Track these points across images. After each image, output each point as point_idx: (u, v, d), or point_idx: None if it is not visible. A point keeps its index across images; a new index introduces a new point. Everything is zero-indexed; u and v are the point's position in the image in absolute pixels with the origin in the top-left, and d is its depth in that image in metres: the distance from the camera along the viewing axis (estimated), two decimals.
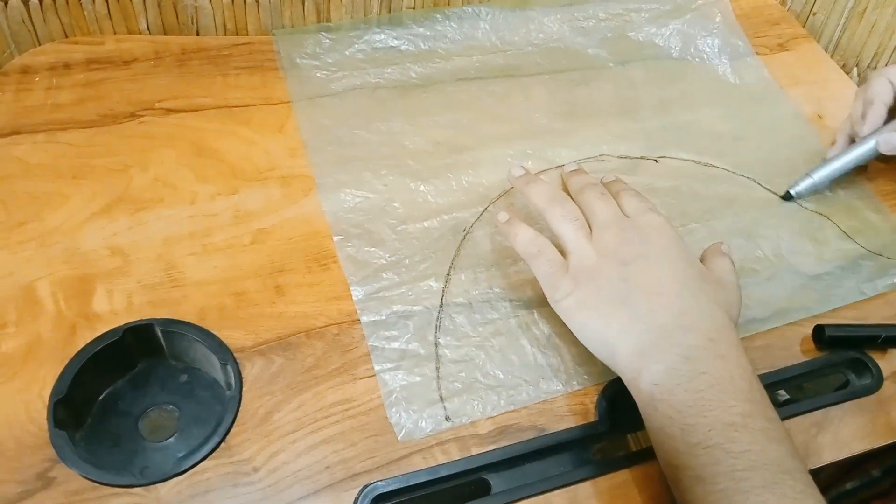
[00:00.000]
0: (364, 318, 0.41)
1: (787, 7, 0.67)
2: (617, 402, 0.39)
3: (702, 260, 0.42)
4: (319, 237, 0.45)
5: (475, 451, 0.37)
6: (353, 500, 0.35)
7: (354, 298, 0.42)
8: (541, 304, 0.43)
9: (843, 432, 0.40)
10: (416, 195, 0.48)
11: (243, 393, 0.38)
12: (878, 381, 0.42)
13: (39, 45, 0.52)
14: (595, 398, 0.40)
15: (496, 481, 0.37)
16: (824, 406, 0.41)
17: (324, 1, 0.56)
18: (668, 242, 0.39)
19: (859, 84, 0.60)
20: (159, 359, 0.40)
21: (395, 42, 0.57)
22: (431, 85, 0.55)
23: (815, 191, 0.51)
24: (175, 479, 0.35)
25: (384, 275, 0.43)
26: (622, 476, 0.37)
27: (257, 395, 0.38)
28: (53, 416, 0.35)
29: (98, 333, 0.38)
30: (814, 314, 0.45)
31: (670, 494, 0.36)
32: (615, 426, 0.39)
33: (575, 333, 0.39)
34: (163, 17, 0.54)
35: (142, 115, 0.49)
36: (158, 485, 0.34)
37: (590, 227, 0.40)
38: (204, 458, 0.35)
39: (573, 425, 0.39)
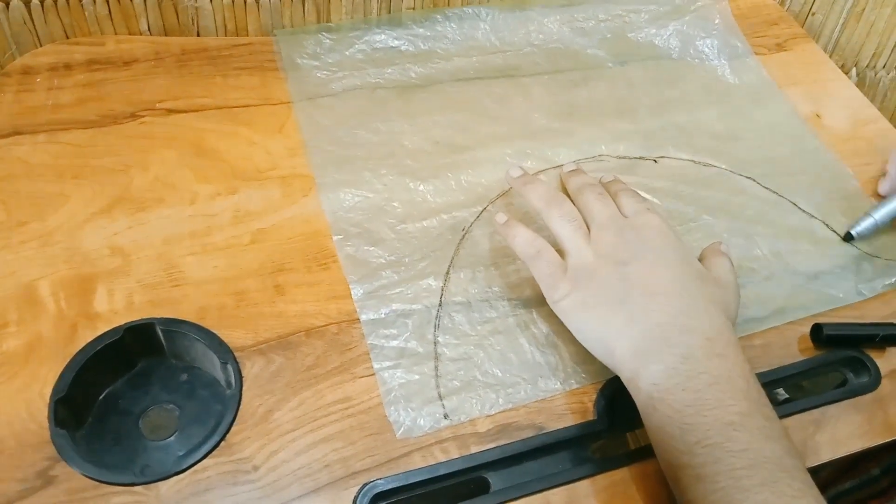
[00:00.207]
0: (363, 317, 0.41)
1: (786, 7, 0.67)
2: (615, 400, 0.39)
3: (700, 259, 0.42)
4: (319, 237, 0.45)
5: (474, 449, 0.37)
6: (352, 498, 0.35)
7: (354, 297, 0.42)
8: (539, 303, 0.43)
9: (841, 431, 0.41)
10: (415, 195, 0.48)
11: (243, 392, 0.38)
12: (876, 379, 0.42)
13: (40, 45, 0.53)
14: (594, 397, 0.40)
15: (495, 480, 0.37)
16: (822, 404, 0.41)
17: (324, 1, 0.56)
18: (666, 242, 0.39)
19: (858, 84, 0.60)
20: (159, 358, 0.40)
21: (395, 42, 0.57)
22: (431, 85, 0.55)
23: (877, 230, 0.49)
24: (175, 478, 0.35)
25: (383, 273, 0.43)
26: (621, 474, 0.38)
27: (257, 393, 0.38)
28: (54, 414, 0.36)
29: (99, 333, 0.39)
30: (812, 314, 0.45)
31: (668, 493, 0.36)
32: (614, 425, 0.39)
33: (574, 333, 0.39)
34: (163, 18, 0.54)
35: (142, 116, 0.50)
36: (159, 483, 0.35)
37: (588, 228, 0.40)
38: (204, 457, 0.35)
39: (572, 424, 0.39)
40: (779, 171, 0.53)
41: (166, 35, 0.55)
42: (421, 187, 0.48)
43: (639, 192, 0.44)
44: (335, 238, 0.45)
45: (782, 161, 0.54)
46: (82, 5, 0.52)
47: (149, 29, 0.55)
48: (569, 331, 0.39)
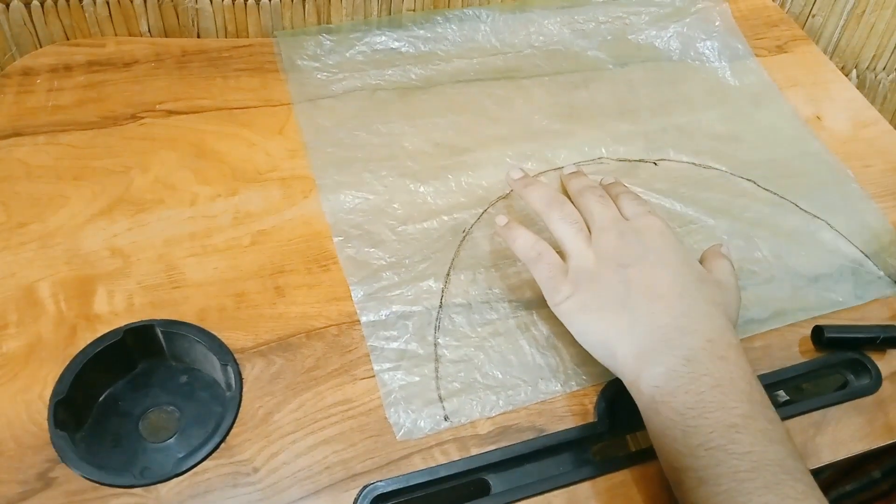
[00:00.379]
0: (363, 319, 0.41)
1: (787, 9, 0.67)
2: (616, 402, 0.39)
3: (701, 261, 0.42)
4: (319, 238, 0.45)
5: (475, 451, 0.37)
6: (352, 500, 0.35)
7: (354, 299, 0.42)
8: (540, 305, 0.43)
9: (842, 433, 0.41)
10: (415, 196, 0.48)
11: (243, 394, 0.38)
12: (877, 381, 0.42)
13: (40, 46, 0.53)
14: (594, 399, 0.40)
15: (496, 481, 0.37)
16: (823, 407, 0.41)
17: (324, 3, 0.56)
18: (667, 245, 0.39)
19: (858, 86, 0.60)
20: (160, 359, 0.40)
21: (396, 44, 0.57)
22: (431, 87, 0.55)
23: None
24: (175, 480, 0.35)
25: (384, 275, 0.43)
26: (621, 476, 0.38)
27: (257, 395, 0.38)
28: (54, 416, 0.36)
29: (99, 334, 0.38)
30: (812, 316, 0.45)
31: (669, 494, 0.36)
32: (614, 427, 0.39)
33: (575, 336, 0.39)
34: (163, 20, 0.54)
35: (142, 117, 0.50)
36: (159, 485, 0.35)
37: (589, 231, 0.40)
38: (204, 459, 0.35)
39: (572, 426, 0.39)
40: (779, 172, 0.53)
41: (166, 36, 0.55)
42: (421, 189, 0.48)
43: (639, 194, 0.44)
44: (335, 240, 0.45)
45: (783, 163, 0.54)
46: (82, 7, 0.52)
47: (149, 30, 0.55)
48: (569, 333, 0.39)
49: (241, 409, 0.37)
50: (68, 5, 0.52)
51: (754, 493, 0.31)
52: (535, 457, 0.38)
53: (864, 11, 0.64)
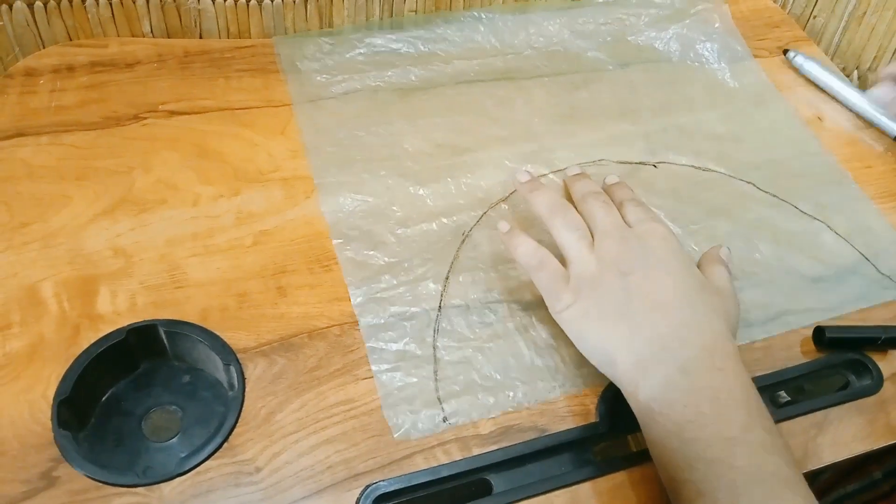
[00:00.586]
0: (362, 320, 0.41)
1: (788, 10, 0.67)
2: (617, 403, 0.39)
3: (698, 265, 0.42)
4: (321, 238, 0.45)
5: (476, 451, 0.37)
6: (354, 500, 0.35)
7: (353, 301, 0.42)
8: (538, 307, 0.43)
9: (844, 433, 0.41)
10: (415, 198, 0.48)
11: (246, 393, 0.38)
12: (879, 382, 0.42)
13: (43, 47, 0.53)
14: (595, 399, 0.40)
15: (497, 481, 0.37)
16: (825, 407, 0.41)
17: (326, 5, 0.56)
18: (670, 252, 0.39)
19: (859, 87, 0.60)
20: (162, 359, 0.40)
21: (396, 45, 0.57)
22: (432, 88, 0.55)
23: None
24: (178, 479, 0.35)
25: (383, 277, 0.43)
26: (622, 477, 0.38)
27: (260, 395, 0.38)
28: (57, 416, 0.36)
29: (101, 334, 0.39)
30: (813, 321, 0.45)
31: None
32: (615, 427, 0.39)
33: (575, 344, 0.39)
34: (166, 20, 0.54)
35: (145, 118, 0.50)
36: (161, 484, 0.35)
37: (592, 236, 0.40)
38: (206, 459, 0.36)
39: (574, 426, 0.39)
40: (780, 173, 0.53)
41: (169, 37, 0.55)
42: (421, 191, 0.48)
43: (643, 201, 0.44)
44: (335, 242, 0.45)
45: (783, 164, 0.54)
46: (85, 7, 0.52)
47: (151, 31, 0.55)
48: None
49: (243, 408, 0.37)
50: (71, 6, 0.52)
51: None
52: (537, 457, 0.38)
53: (865, 13, 0.64)
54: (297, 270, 0.43)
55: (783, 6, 0.67)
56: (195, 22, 0.55)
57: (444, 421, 0.38)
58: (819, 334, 0.44)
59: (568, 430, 0.39)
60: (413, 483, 0.36)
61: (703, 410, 0.33)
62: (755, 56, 0.62)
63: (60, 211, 0.44)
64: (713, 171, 0.53)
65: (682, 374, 0.35)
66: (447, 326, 0.42)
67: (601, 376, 0.40)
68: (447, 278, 0.44)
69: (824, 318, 0.45)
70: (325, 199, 0.47)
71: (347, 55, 0.56)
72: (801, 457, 0.39)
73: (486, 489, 0.37)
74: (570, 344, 0.40)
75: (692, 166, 0.53)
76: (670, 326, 0.36)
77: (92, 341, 0.38)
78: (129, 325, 0.39)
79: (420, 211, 0.47)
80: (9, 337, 0.38)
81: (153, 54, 0.53)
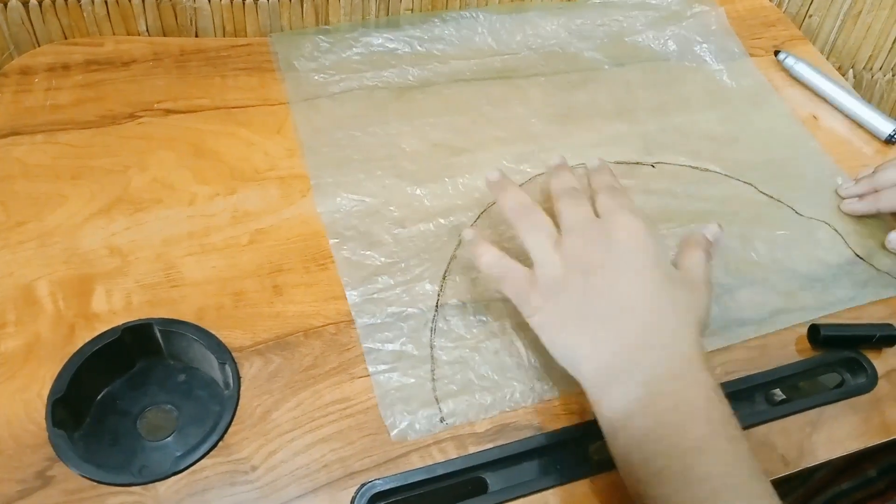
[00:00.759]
0: (359, 321, 0.41)
1: (784, 9, 0.67)
2: None
3: (679, 247, 0.41)
4: (317, 237, 0.45)
5: (472, 449, 0.37)
6: (350, 498, 0.35)
7: (349, 301, 0.42)
8: None
9: (838, 431, 0.41)
10: (412, 198, 0.48)
11: (241, 392, 0.38)
12: (873, 380, 0.43)
13: (39, 46, 0.53)
14: None
15: (493, 480, 0.37)
16: (819, 405, 0.41)
17: (322, 3, 0.56)
18: (636, 244, 0.38)
19: (854, 86, 0.61)
20: (158, 358, 0.40)
21: (393, 44, 0.57)
22: (428, 87, 0.55)
23: None
24: (173, 478, 0.35)
25: (380, 277, 0.43)
26: (617, 475, 0.37)
27: (255, 394, 0.38)
28: (52, 415, 0.36)
29: (97, 333, 0.38)
30: (808, 319, 0.45)
31: None
32: None
33: (548, 350, 0.38)
34: (162, 19, 0.54)
35: (140, 116, 0.50)
36: (157, 483, 0.35)
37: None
38: (202, 457, 0.35)
39: (570, 424, 0.39)
40: (776, 173, 0.53)
41: (165, 36, 0.55)
42: (418, 191, 0.48)
43: (627, 188, 0.43)
44: (331, 241, 0.45)
45: (779, 163, 0.54)
46: (81, 6, 0.52)
47: (147, 30, 0.55)
48: None
49: (238, 407, 0.37)
50: (66, 5, 0.52)
51: None
52: (533, 455, 0.38)
53: (860, 11, 0.64)
54: (293, 269, 0.43)
55: (779, 5, 0.67)
56: (191, 20, 0.55)
57: (442, 421, 0.38)
58: (814, 332, 0.44)
59: (564, 428, 0.39)
60: (408, 482, 0.36)
61: (663, 420, 0.33)
62: (751, 55, 0.62)
63: (56, 210, 0.44)
64: (710, 170, 0.53)
65: (642, 386, 0.34)
66: (444, 326, 0.42)
67: None
68: (444, 278, 0.44)
69: (819, 317, 0.45)
70: (322, 198, 0.47)
71: (344, 54, 0.56)
72: (796, 454, 0.39)
73: (482, 487, 0.37)
74: None
75: (689, 166, 0.53)
76: (633, 333, 0.35)
77: (87, 340, 0.38)
78: (124, 324, 0.39)
79: (417, 211, 0.47)
80: (4, 336, 0.38)
81: (149, 53, 0.53)
